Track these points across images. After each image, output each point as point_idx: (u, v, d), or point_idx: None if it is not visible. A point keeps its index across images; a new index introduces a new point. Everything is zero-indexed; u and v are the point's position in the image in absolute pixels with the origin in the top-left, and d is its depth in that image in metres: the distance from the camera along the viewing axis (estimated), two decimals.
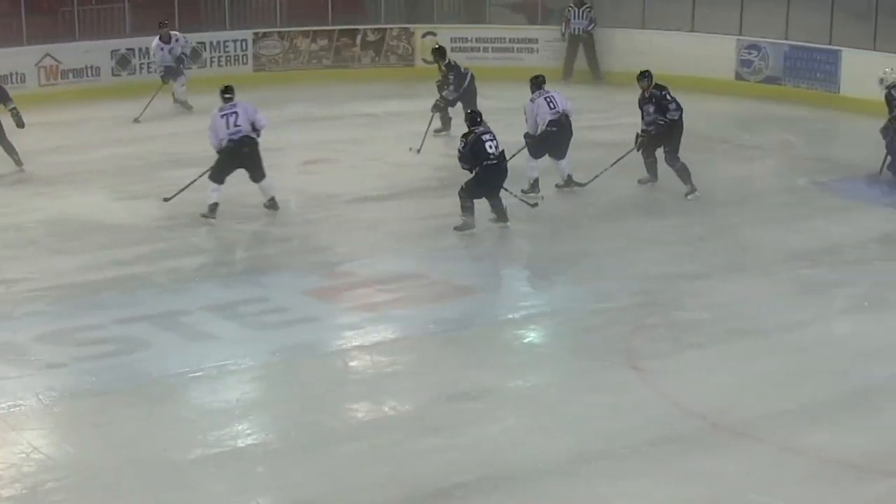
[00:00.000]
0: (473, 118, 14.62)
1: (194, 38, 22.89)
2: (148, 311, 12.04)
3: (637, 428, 9.50)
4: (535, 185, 15.91)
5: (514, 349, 11.61)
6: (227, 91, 15.23)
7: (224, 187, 15.10)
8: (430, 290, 12.91)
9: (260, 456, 9.20)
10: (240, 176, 15.26)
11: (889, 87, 16.64)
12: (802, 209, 15.81)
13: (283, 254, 14.31)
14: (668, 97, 15.93)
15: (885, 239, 14.84)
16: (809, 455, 9.09)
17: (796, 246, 14.16)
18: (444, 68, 19.52)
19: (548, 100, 15.90)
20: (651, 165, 16.39)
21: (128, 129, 20.34)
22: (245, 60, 24.80)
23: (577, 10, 24.74)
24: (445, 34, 24.84)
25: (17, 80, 21.77)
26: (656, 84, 16.00)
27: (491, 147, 14.39)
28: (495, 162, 14.44)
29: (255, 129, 15.03)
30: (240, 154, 15.00)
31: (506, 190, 14.80)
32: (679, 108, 15.91)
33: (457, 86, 19.19)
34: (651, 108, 15.95)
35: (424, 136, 18.62)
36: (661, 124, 15.87)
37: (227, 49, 23.63)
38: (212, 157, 15.21)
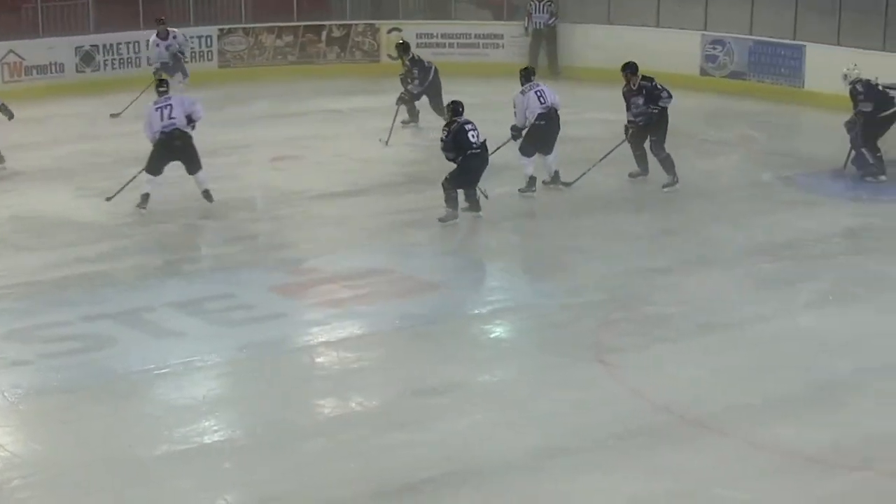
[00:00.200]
0: (455, 108, 14.71)
1: None
2: (114, 308, 11.99)
3: (604, 422, 9.52)
4: (531, 183, 15.89)
5: (481, 344, 11.61)
6: (161, 84, 15.52)
7: (161, 179, 15.19)
8: (397, 286, 12.91)
9: (226, 452, 9.17)
10: (205, 172, 15.31)
11: (853, 83, 16.69)
12: (767, 204, 15.85)
13: (249, 250, 14.26)
14: (658, 86, 15.98)
15: (849, 233, 14.94)
16: (774, 449, 9.11)
17: (761, 240, 14.21)
18: (407, 63, 19.57)
19: (538, 93, 15.90)
20: (640, 158, 16.41)
21: (93, 126, 20.27)
22: (210, 56, 24.76)
23: (538, 4, 24.81)
24: (411, 30, 24.83)
25: None
26: (644, 76, 16.05)
27: (473, 136, 14.52)
28: (478, 151, 14.56)
29: (191, 120, 15.10)
30: (171, 147, 15.12)
31: (481, 191, 14.86)
32: (670, 96, 15.98)
33: (421, 80, 19.35)
34: (640, 100, 15.97)
35: (391, 128, 18.69)
36: (654, 113, 15.90)
37: (191, 45, 23.48)
38: None
